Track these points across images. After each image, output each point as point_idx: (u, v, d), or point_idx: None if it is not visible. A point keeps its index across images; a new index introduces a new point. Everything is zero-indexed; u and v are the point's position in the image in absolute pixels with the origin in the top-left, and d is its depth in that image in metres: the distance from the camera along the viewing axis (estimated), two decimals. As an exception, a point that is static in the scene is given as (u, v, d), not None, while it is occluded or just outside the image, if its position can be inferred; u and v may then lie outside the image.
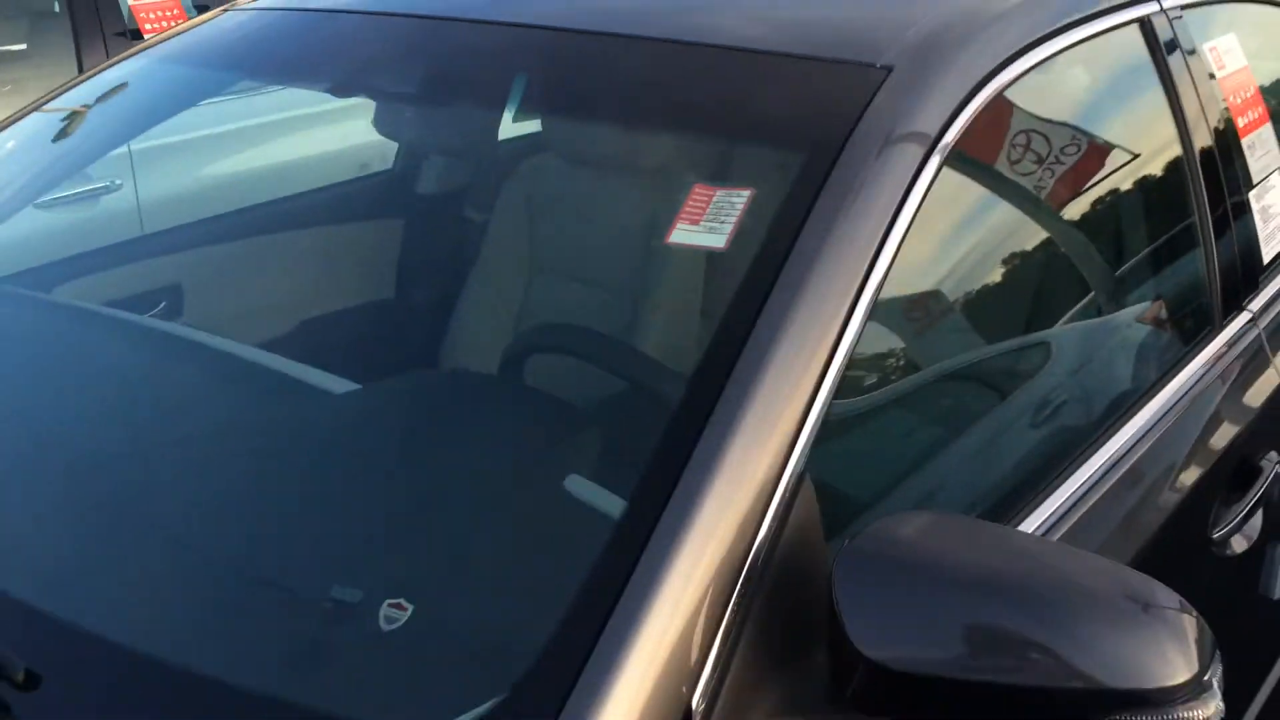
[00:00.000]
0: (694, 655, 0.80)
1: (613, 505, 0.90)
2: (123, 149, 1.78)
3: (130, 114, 1.76)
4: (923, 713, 0.79)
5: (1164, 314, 1.54)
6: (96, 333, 1.37)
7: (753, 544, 0.85)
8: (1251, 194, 1.63)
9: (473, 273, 1.44)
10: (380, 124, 1.82)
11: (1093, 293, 1.46)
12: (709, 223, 1.05)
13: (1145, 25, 1.53)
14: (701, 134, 1.20)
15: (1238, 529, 1.37)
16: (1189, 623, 0.79)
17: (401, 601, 0.87)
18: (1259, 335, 1.52)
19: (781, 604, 0.85)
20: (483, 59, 1.44)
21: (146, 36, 3.39)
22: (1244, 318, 1.52)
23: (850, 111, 1.07)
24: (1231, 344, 1.47)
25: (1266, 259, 1.62)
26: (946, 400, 1.23)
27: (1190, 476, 1.33)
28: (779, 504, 0.87)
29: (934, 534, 0.84)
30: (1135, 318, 1.51)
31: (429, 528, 1.00)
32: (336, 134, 2.09)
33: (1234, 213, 1.58)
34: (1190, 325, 1.49)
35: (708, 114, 1.17)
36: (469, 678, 0.84)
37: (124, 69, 1.77)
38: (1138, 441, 1.26)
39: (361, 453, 1.09)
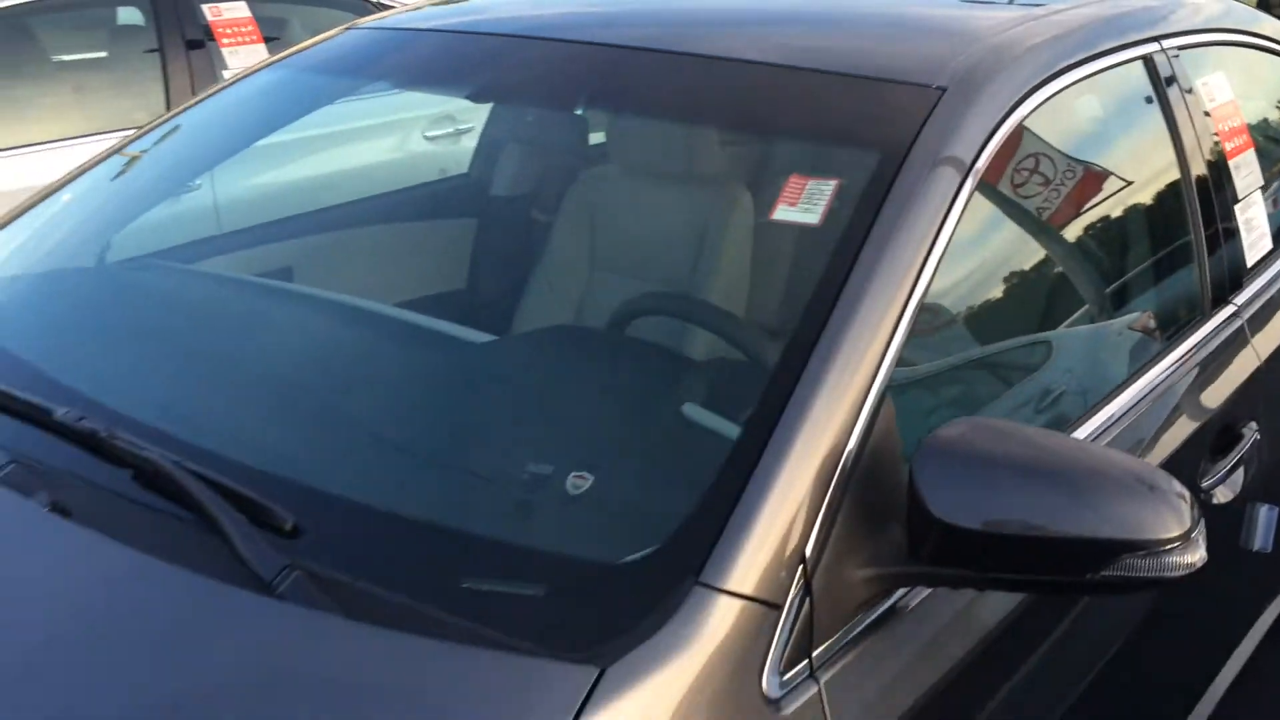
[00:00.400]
0: (805, 522, 1.06)
1: (739, 420, 1.17)
2: (268, 141, 2.05)
3: (271, 113, 2.04)
4: (980, 561, 1.06)
5: (1163, 305, 1.81)
6: (292, 298, 1.66)
7: (847, 444, 1.11)
8: (1237, 208, 1.92)
9: (596, 239, 1.73)
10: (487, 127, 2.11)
11: (1106, 284, 1.74)
12: (804, 204, 1.32)
13: (1148, 62, 1.82)
14: (797, 139, 1.48)
15: (1222, 482, 1.64)
16: (1181, 496, 1.05)
17: (584, 474, 1.14)
18: (1241, 324, 1.80)
19: (868, 489, 1.12)
20: (577, 74, 1.72)
21: (223, 47, 3.68)
22: (1229, 309, 1.80)
23: (915, 121, 1.35)
24: (1218, 330, 1.75)
25: (1249, 262, 1.90)
26: (991, 351, 1.50)
27: (1182, 435, 1.60)
28: (866, 416, 1.14)
29: (987, 433, 1.10)
30: (1140, 308, 1.79)
31: (593, 433, 1.27)
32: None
33: (1222, 223, 1.86)
34: (1184, 315, 1.77)
35: (803, 121, 1.45)
36: (639, 531, 1.11)
37: (265, 75, 2.04)
38: (1139, 402, 1.53)
39: (530, 381, 1.37)
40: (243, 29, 3.70)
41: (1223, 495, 1.66)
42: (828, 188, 1.33)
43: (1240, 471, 1.68)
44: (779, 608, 1.03)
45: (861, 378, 1.14)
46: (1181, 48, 1.90)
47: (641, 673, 0.95)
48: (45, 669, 1.01)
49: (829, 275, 1.23)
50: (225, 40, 3.64)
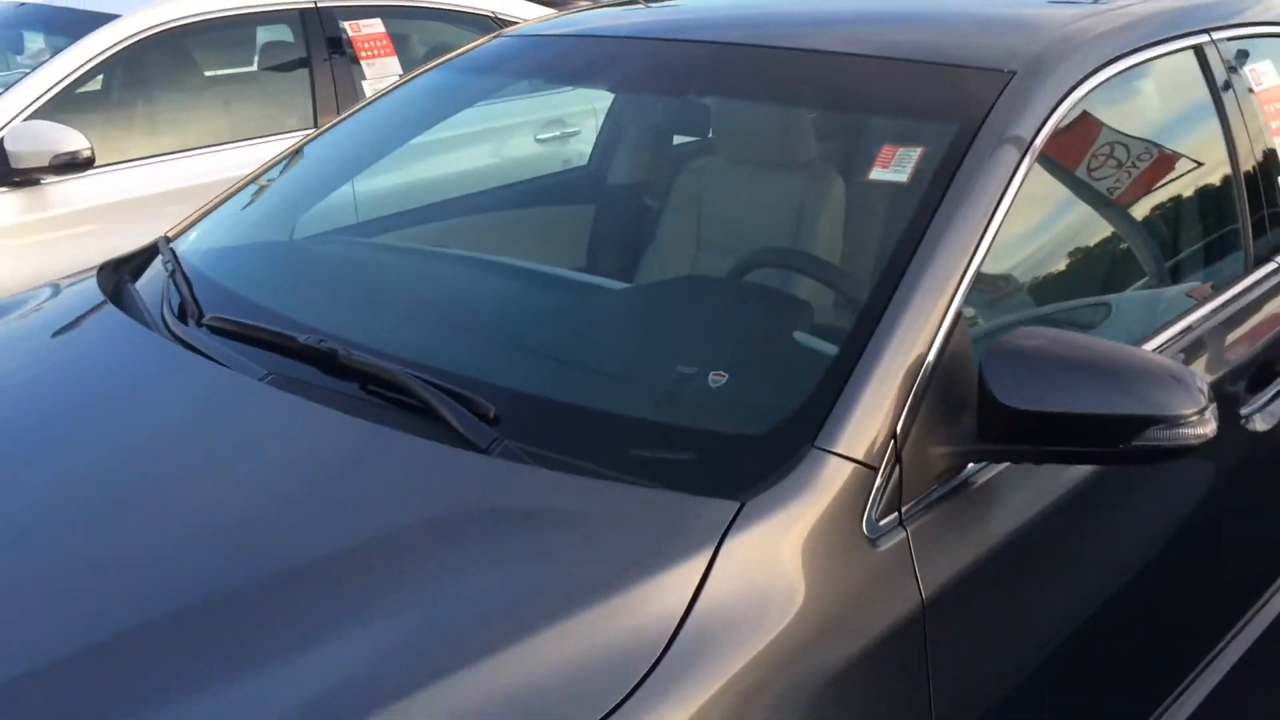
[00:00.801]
0: (895, 407, 1.36)
1: (841, 339, 1.48)
2: (434, 134, 2.42)
3: (437, 108, 2.42)
4: (1034, 439, 1.35)
5: (1211, 267, 2.06)
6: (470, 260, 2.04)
7: (929, 353, 1.40)
8: (1257, 193, 2.16)
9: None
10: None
11: (1159, 248, 2.00)
12: (895, 167, 1.62)
13: (1198, 51, 2.08)
14: (889, 115, 1.79)
15: (1259, 411, 1.89)
16: (1198, 385, 1.33)
17: (721, 372, 1.46)
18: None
19: (946, 385, 1.40)
20: (683, 71, 2.06)
21: (361, 59, 4.08)
22: (1270, 266, 2.04)
23: (990, 99, 1.64)
24: (1259, 283, 2.00)
25: (1293, 229, 2.14)
26: (1051, 310, 1.78)
27: (1228, 368, 1.86)
28: (945, 331, 1.43)
29: (1041, 338, 1.39)
30: (1190, 270, 2.05)
31: (726, 346, 1.60)
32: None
33: (1266, 194, 2.11)
34: (1229, 270, 2.02)
35: (894, 101, 1.76)
36: (769, 411, 1.42)
37: (434, 75, 2.41)
38: (1183, 337, 1.80)
39: (672, 312, 1.70)
40: (378, 43, 4.10)
41: (1261, 424, 1.91)
42: (915, 153, 1.63)
43: (1277, 404, 1.93)
44: (875, 470, 1.33)
45: (942, 300, 1.44)
46: (1229, 39, 2.15)
47: (770, 509, 1.26)
48: (318, 506, 1.35)
49: (915, 222, 1.52)
50: (363, 53, 4.05)
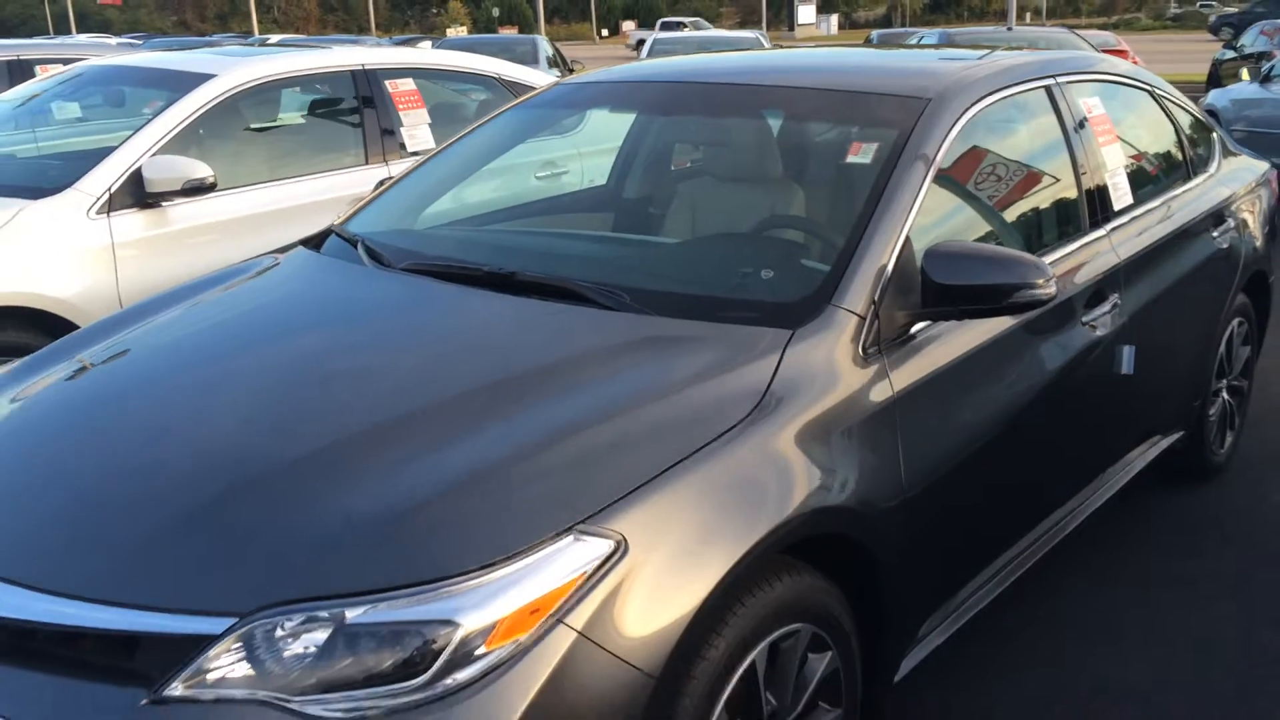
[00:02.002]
0: (870, 291, 2.31)
1: (832, 259, 2.44)
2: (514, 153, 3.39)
3: (519, 132, 3.38)
4: (954, 303, 2.31)
5: (1061, 224, 3.07)
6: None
7: (889, 262, 2.36)
8: (1106, 175, 3.21)
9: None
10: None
11: (1019, 216, 3.02)
12: (862, 154, 2.61)
13: (1049, 90, 3.13)
14: (858, 123, 2.78)
15: (1095, 318, 2.90)
16: (1046, 267, 2.32)
17: (769, 270, 2.42)
18: (1107, 237, 3.08)
19: (900, 278, 2.37)
20: (699, 99, 3.06)
21: (399, 110, 4.99)
22: (1101, 230, 3.08)
23: (916, 114, 2.64)
24: (1090, 242, 3.03)
25: (1116, 206, 3.19)
26: (958, 215, 2.77)
27: (1075, 291, 2.86)
28: (898, 249, 2.39)
29: (957, 244, 2.37)
30: (1047, 230, 3.05)
31: (767, 263, 2.56)
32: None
33: (1098, 184, 3.16)
34: (1071, 229, 3.04)
35: (863, 113, 2.76)
36: (803, 289, 2.36)
37: (515, 112, 3.36)
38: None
39: (715, 248, 2.68)
40: (411, 97, 5.03)
41: (1097, 327, 2.92)
42: (874, 146, 2.62)
43: (1107, 319, 2.95)
44: (864, 319, 2.28)
45: (895, 230, 2.41)
46: (1068, 82, 3.21)
47: (810, 334, 2.21)
48: (515, 346, 2.25)
49: (875, 186, 2.50)
50: (400, 105, 4.97)
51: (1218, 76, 18.29)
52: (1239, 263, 3.87)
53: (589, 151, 4.10)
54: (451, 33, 54.51)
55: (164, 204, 4.14)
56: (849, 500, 2.11)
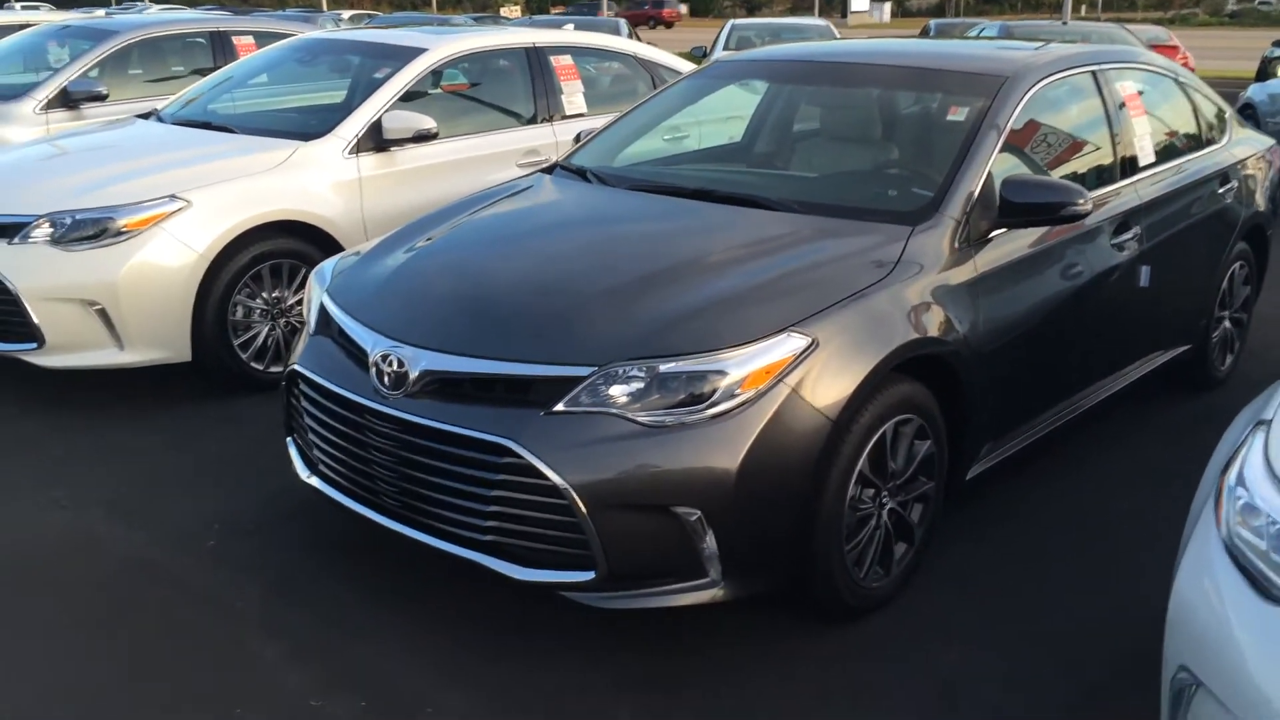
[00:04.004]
0: (963, 208, 3.43)
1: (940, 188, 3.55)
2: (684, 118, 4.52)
3: (689, 95, 4.52)
4: (1022, 216, 3.42)
5: (1100, 174, 4.15)
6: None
7: (976, 189, 3.47)
8: (1136, 140, 4.29)
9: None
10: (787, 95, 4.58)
11: (1076, 166, 4.11)
12: (958, 114, 3.72)
13: (1094, 75, 4.22)
14: (955, 91, 3.89)
15: (1121, 241, 3.99)
16: (1085, 191, 3.42)
17: (893, 190, 3.55)
18: (1134, 186, 4.17)
19: (984, 201, 3.48)
20: (831, 73, 4.19)
21: (560, 81, 6.13)
22: (1128, 180, 4.16)
23: (998, 86, 3.75)
24: (1125, 188, 4.11)
25: (1141, 163, 4.27)
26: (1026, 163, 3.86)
27: (1107, 216, 3.95)
28: (984, 179, 3.50)
29: (1024, 176, 3.48)
30: (1091, 180, 4.13)
31: (890, 187, 3.69)
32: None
33: (1130, 146, 4.24)
34: (1107, 177, 4.12)
35: (958, 85, 3.87)
36: (920, 201, 3.48)
37: (691, 80, 4.50)
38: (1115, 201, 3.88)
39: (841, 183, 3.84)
40: (570, 70, 6.17)
41: (1124, 249, 4.01)
42: (967, 108, 3.73)
43: (1131, 243, 4.04)
44: (960, 222, 3.39)
45: (981, 167, 3.51)
46: (1109, 70, 4.29)
47: (925, 230, 3.32)
48: (715, 236, 3.38)
49: (968, 136, 3.61)
50: (562, 77, 6.11)
51: (1266, 73, 19.07)
52: (1240, 214, 4.93)
53: (706, 119, 5.21)
54: (505, 12, 55.95)
55: (393, 149, 5.30)
56: (945, 336, 3.23)
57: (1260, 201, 5.17)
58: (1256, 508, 2.12)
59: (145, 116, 5.92)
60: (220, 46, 7.65)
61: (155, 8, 29.63)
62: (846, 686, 2.90)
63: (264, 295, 4.89)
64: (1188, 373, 4.98)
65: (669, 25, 58.62)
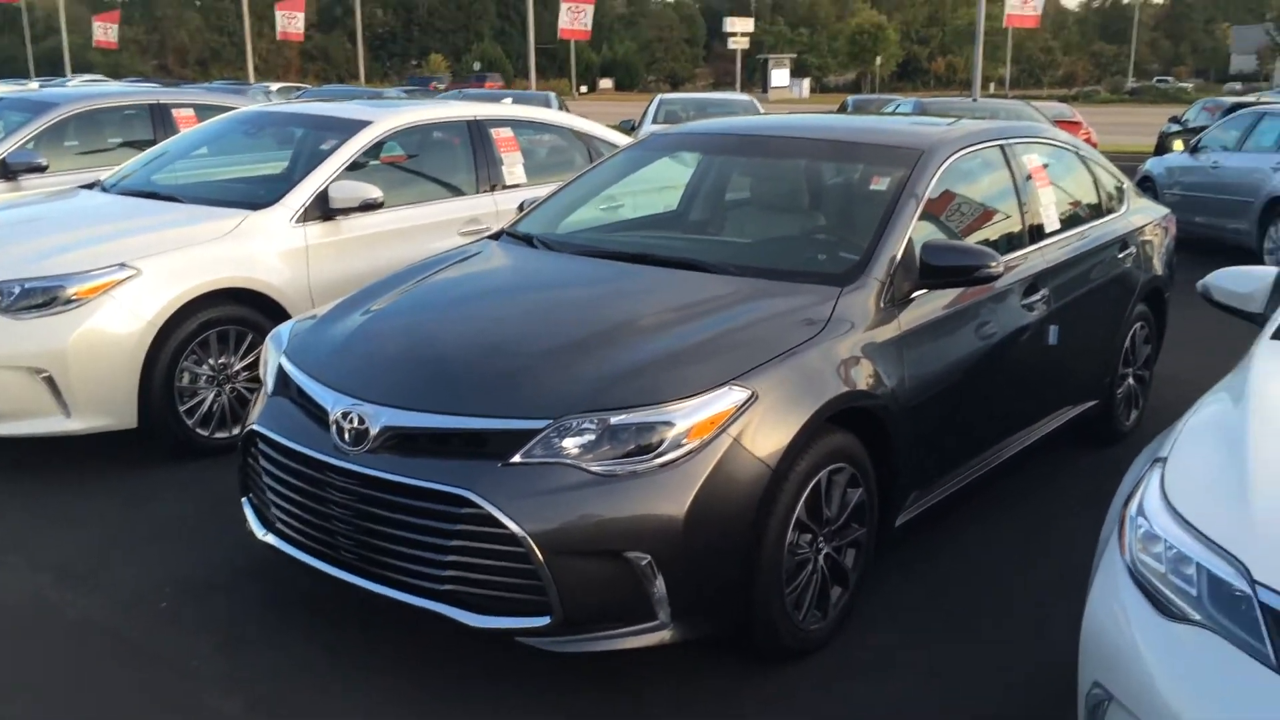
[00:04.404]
0: (888, 269, 3.70)
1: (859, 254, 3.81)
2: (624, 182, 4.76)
3: (621, 169, 4.76)
4: (938, 279, 3.70)
5: (1007, 241, 4.46)
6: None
7: (898, 254, 3.76)
8: (1041, 208, 4.62)
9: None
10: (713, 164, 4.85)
11: (981, 231, 4.42)
12: (879, 184, 4.01)
13: (1002, 149, 4.56)
14: (875, 165, 4.18)
15: (1030, 303, 4.29)
16: (996, 255, 3.70)
17: (823, 254, 3.80)
18: (1040, 250, 4.48)
19: (905, 265, 3.76)
20: (761, 146, 4.47)
21: (501, 153, 6.35)
22: (1035, 245, 4.48)
23: (915, 158, 4.05)
24: (1027, 253, 4.42)
25: (1046, 229, 4.60)
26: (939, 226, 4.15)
27: (1016, 279, 4.25)
28: (904, 245, 3.77)
29: (941, 241, 3.76)
30: (1000, 246, 4.44)
31: (819, 257, 3.94)
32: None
33: (1034, 214, 4.57)
34: (1014, 244, 4.43)
35: (880, 157, 4.17)
36: (847, 264, 3.73)
37: (628, 152, 4.76)
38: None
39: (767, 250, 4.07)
40: (510, 143, 6.41)
41: (1032, 309, 4.30)
42: (887, 178, 4.02)
43: (1039, 304, 4.34)
44: (884, 284, 3.64)
45: (901, 233, 3.78)
46: (1015, 144, 4.64)
47: (853, 292, 3.57)
48: (652, 297, 3.59)
49: (889, 205, 3.89)
50: (502, 149, 6.34)
51: (1164, 147, 20.14)
52: (1139, 278, 5.30)
53: (641, 190, 5.46)
54: (433, 86, 56.85)
55: (339, 218, 5.45)
56: (874, 390, 3.46)
57: (1158, 266, 5.56)
58: (1156, 535, 2.35)
59: (89, 187, 6.00)
60: (160, 119, 7.75)
61: (77, 80, 29.54)
62: (790, 721, 3.07)
63: (210, 362, 4.97)
64: (1095, 427, 5.29)
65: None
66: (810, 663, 3.34)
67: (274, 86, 30.85)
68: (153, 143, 7.29)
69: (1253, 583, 2.12)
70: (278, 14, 40.33)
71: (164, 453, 4.95)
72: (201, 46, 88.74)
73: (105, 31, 46.86)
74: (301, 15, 39.71)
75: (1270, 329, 3.13)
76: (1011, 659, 3.40)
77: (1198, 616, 2.18)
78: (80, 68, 52.44)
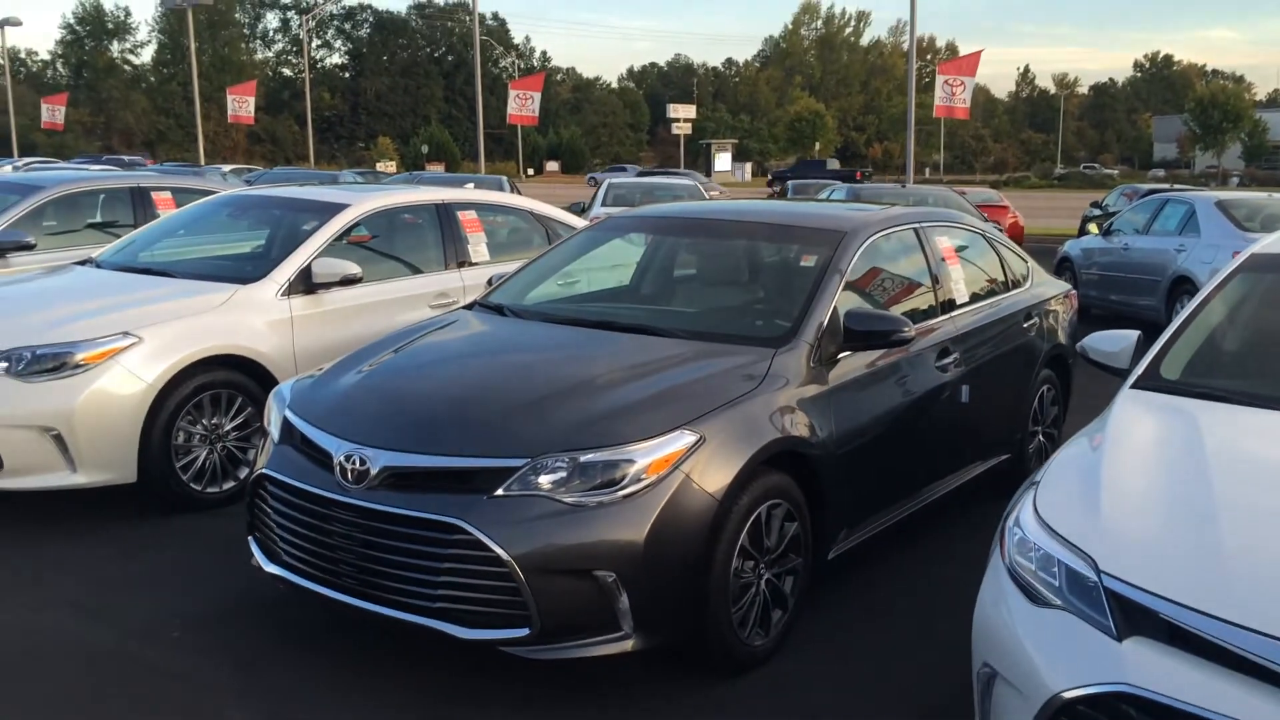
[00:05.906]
0: (816, 336, 4.29)
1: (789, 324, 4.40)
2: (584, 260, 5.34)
3: (580, 248, 5.34)
4: (861, 341, 4.29)
5: (921, 311, 5.08)
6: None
7: (824, 322, 4.35)
8: (951, 283, 5.26)
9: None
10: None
11: (899, 303, 5.04)
12: (808, 261, 4.62)
13: (917, 231, 5.20)
14: (803, 244, 4.79)
15: (945, 366, 4.90)
16: (908, 321, 4.31)
17: (759, 321, 4.38)
18: (951, 321, 5.11)
19: (829, 331, 4.35)
20: (705, 228, 5.08)
21: (466, 233, 6.92)
22: (946, 315, 5.11)
23: (838, 240, 4.67)
24: (943, 322, 5.05)
25: (957, 301, 5.23)
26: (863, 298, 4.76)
27: (928, 344, 4.86)
28: (829, 316, 4.37)
29: (866, 309, 4.36)
30: (915, 308, 5.06)
31: (759, 323, 4.53)
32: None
33: (945, 289, 5.21)
34: (927, 314, 5.05)
35: (807, 238, 4.78)
36: (779, 330, 4.31)
37: (590, 233, 5.34)
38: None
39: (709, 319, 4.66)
40: (475, 224, 6.98)
41: (947, 371, 4.91)
42: (815, 256, 4.63)
43: (951, 367, 4.95)
44: (812, 346, 4.22)
45: (827, 303, 4.38)
46: (928, 227, 5.29)
47: (785, 353, 4.14)
48: (609, 360, 4.14)
49: (816, 279, 4.49)
50: (467, 230, 6.91)
51: (1084, 230, 21.33)
52: (1043, 346, 5.96)
53: (597, 267, 6.04)
54: (380, 168, 57.82)
55: (321, 291, 5.96)
56: (807, 437, 4.01)
57: (1061, 335, 6.23)
58: (1028, 540, 2.91)
59: (83, 263, 6.45)
60: (140, 201, 8.22)
61: (8, 166, 29.59)
62: (736, 720, 3.56)
63: (204, 422, 5.41)
64: (1008, 478, 5.88)
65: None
66: (755, 674, 3.84)
67: (226, 168, 31.39)
68: (134, 224, 7.77)
69: (1099, 572, 2.68)
70: (229, 98, 41.04)
71: (158, 506, 5.35)
72: (148, 128, 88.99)
73: (53, 114, 47.25)
74: (252, 99, 40.46)
75: (1130, 380, 3.75)
76: (929, 671, 3.92)
77: (1059, 602, 2.73)
78: (24, 149, 52.47)
